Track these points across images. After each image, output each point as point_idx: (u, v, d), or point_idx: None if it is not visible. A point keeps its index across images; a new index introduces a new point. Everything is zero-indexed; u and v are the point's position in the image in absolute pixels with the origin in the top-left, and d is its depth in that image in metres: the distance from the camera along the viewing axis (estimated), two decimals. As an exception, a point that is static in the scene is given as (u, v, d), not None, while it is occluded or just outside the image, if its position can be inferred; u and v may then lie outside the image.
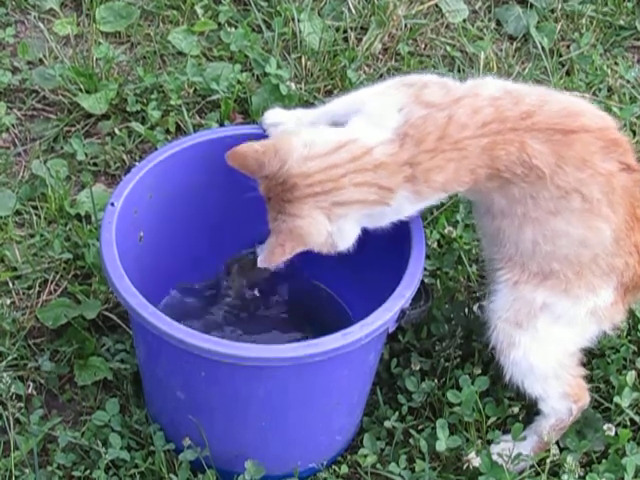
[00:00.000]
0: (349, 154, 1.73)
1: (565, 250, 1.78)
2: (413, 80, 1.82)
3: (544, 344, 1.84)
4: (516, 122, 1.74)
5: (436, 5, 2.78)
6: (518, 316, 1.83)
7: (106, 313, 2.11)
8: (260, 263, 1.75)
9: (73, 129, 2.48)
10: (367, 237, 1.97)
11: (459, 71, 2.63)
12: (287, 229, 1.74)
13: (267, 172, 1.74)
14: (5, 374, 1.95)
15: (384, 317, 1.74)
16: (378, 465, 1.94)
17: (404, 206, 1.78)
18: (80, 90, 2.50)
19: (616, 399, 1.97)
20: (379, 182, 1.73)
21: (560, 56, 2.69)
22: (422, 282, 1.83)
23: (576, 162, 1.74)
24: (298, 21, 2.65)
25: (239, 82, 2.52)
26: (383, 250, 1.93)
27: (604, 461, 1.93)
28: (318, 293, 2.13)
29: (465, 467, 1.89)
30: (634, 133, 2.48)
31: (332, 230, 1.75)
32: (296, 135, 1.77)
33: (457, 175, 1.74)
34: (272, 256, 1.74)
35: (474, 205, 1.88)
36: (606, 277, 1.81)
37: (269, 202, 1.77)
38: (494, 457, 1.89)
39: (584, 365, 1.93)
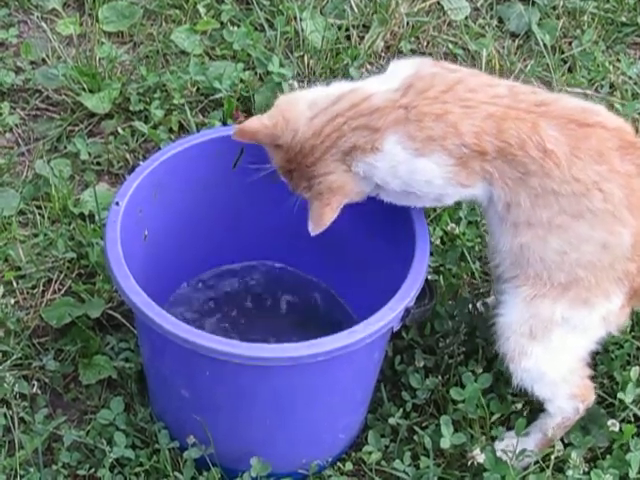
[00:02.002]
0: (349, 102, 1.74)
1: (589, 256, 1.75)
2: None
3: (556, 353, 1.83)
4: (530, 106, 1.73)
5: (438, 3, 2.78)
6: (533, 330, 1.80)
7: (110, 312, 2.11)
8: (313, 231, 1.76)
9: (76, 128, 2.48)
10: (369, 235, 1.97)
11: (461, 68, 2.63)
12: (326, 188, 1.75)
13: (282, 143, 1.76)
14: (9, 373, 1.95)
15: (388, 316, 1.74)
16: (383, 462, 1.94)
17: (400, 156, 1.72)
18: (83, 90, 2.51)
19: (620, 395, 1.97)
20: (370, 124, 1.72)
21: (562, 53, 2.69)
22: (426, 280, 1.82)
23: (593, 154, 1.73)
24: (300, 20, 2.65)
25: (242, 81, 2.52)
26: (386, 248, 1.94)
27: (608, 457, 1.93)
28: (320, 292, 2.13)
29: (470, 464, 1.90)
30: (637, 129, 2.47)
31: (356, 178, 1.75)
32: (300, 98, 1.79)
33: (457, 131, 1.70)
34: (322, 218, 1.74)
35: (493, 225, 1.81)
36: (620, 282, 1.79)
37: (292, 174, 1.78)
38: (498, 453, 1.89)
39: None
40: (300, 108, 1.76)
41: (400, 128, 1.71)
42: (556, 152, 1.71)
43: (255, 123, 1.78)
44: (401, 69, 1.78)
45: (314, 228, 1.76)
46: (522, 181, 1.73)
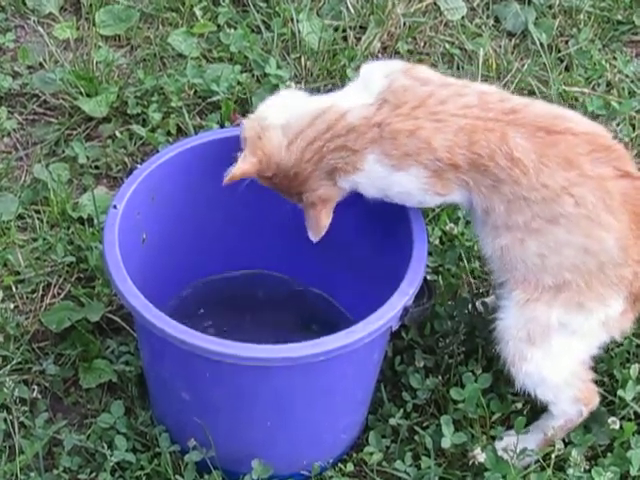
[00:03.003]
0: (325, 124, 1.77)
1: (572, 259, 1.76)
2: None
3: (557, 358, 1.84)
4: (499, 115, 1.75)
5: (434, 3, 2.78)
6: (531, 334, 1.81)
7: (110, 315, 2.11)
8: (314, 237, 1.82)
9: (74, 132, 2.48)
10: (367, 236, 1.97)
11: (458, 68, 2.63)
12: (317, 198, 1.80)
13: (268, 175, 1.81)
14: (9, 378, 1.95)
15: (387, 315, 1.74)
16: (384, 462, 1.94)
17: (379, 173, 1.76)
18: (81, 94, 2.51)
19: (620, 392, 1.97)
20: (348, 145, 1.76)
21: (559, 52, 2.69)
22: (425, 279, 1.83)
23: (560, 161, 1.74)
24: (297, 21, 2.65)
25: (239, 83, 2.52)
26: (384, 248, 1.94)
27: (609, 455, 1.93)
28: (317, 300, 2.13)
29: (471, 463, 1.90)
30: (633, 127, 2.48)
31: (341, 190, 1.81)
32: (273, 128, 1.80)
33: (430, 146, 1.73)
34: (320, 223, 1.80)
35: (477, 228, 1.84)
36: (615, 287, 1.79)
37: (282, 192, 1.85)
38: (499, 453, 1.89)
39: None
40: (276, 138, 1.79)
41: (377, 147, 1.75)
42: (523, 160, 1.73)
43: (243, 167, 1.79)
44: (374, 79, 1.80)
45: (314, 234, 1.82)
46: (495, 189, 1.76)
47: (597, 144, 1.77)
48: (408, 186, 1.77)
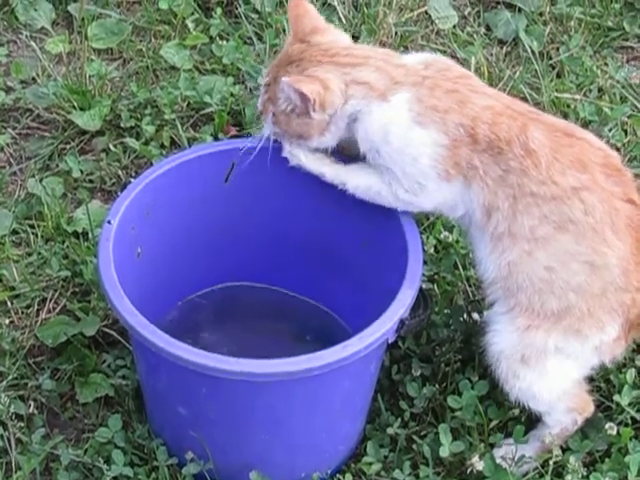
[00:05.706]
0: (385, 51, 1.88)
1: (578, 277, 1.77)
2: None
3: (550, 379, 1.86)
4: (524, 111, 1.82)
5: (426, 12, 2.79)
6: (526, 357, 1.83)
7: (105, 329, 2.11)
8: (288, 80, 1.77)
9: (68, 146, 2.48)
10: (362, 246, 1.97)
11: (450, 76, 2.63)
12: (319, 76, 1.79)
13: (315, 39, 1.84)
14: (5, 394, 1.95)
15: (383, 328, 1.74)
16: (382, 472, 1.94)
17: (401, 118, 1.78)
18: (74, 107, 2.51)
19: (616, 397, 1.97)
20: (392, 74, 1.81)
21: (550, 59, 2.69)
22: (421, 290, 1.83)
23: (574, 160, 1.77)
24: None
25: (232, 95, 2.52)
26: (379, 259, 1.94)
27: (607, 460, 1.93)
28: (315, 307, 2.12)
29: (469, 471, 1.90)
30: (626, 133, 2.49)
31: (343, 110, 1.81)
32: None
33: (460, 109, 1.78)
34: (301, 82, 1.77)
35: (478, 245, 1.84)
36: (614, 313, 1.80)
37: (295, 62, 1.83)
38: (498, 460, 1.89)
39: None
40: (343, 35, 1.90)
41: (414, 89, 1.79)
42: (537, 152, 1.76)
43: (315, 12, 1.88)
44: (417, 55, 1.89)
45: (291, 81, 1.77)
46: (502, 180, 1.77)
47: (610, 163, 1.80)
48: (421, 150, 1.78)
